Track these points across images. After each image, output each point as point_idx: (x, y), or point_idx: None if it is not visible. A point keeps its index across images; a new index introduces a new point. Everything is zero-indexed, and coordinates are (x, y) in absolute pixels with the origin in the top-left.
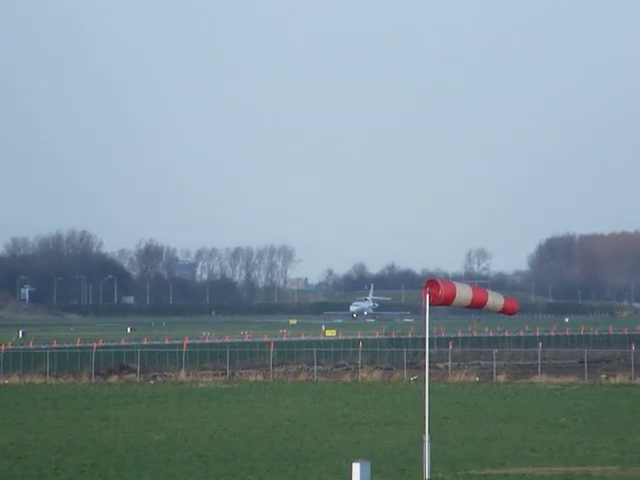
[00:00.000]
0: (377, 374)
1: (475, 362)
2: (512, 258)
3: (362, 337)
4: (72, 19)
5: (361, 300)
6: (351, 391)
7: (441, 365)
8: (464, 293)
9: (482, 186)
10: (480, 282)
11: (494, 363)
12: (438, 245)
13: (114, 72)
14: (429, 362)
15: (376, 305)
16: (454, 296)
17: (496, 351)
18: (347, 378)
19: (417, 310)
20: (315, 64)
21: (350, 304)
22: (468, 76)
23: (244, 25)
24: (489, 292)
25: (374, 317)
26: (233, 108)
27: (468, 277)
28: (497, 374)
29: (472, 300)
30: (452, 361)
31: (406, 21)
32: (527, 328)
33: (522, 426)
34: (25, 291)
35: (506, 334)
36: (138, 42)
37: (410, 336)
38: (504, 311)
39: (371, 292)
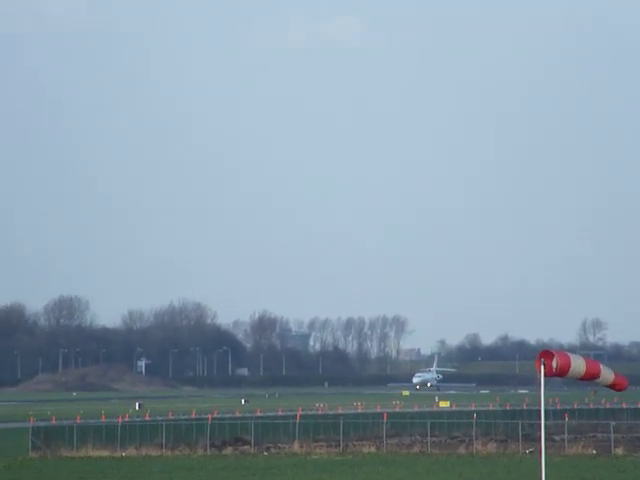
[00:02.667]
0: (492, 446)
1: (592, 434)
2: (628, 329)
3: (476, 408)
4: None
5: (424, 371)
6: (465, 463)
7: (557, 437)
8: (578, 365)
9: (598, 254)
10: (596, 353)
11: (612, 435)
12: (552, 315)
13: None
14: (545, 434)
15: (440, 377)
16: (569, 367)
17: (614, 423)
18: (461, 450)
19: (530, 381)
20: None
21: (413, 374)
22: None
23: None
24: (602, 366)
25: (438, 389)
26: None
27: (583, 348)
28: (615, 447)
29: (585, 372)
30: (568, 433)
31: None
32: None
33: None
34: (141, 364)
35: (623, 406)
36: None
37: (525, 407)
38: (613, 386)
39: (435, 363)
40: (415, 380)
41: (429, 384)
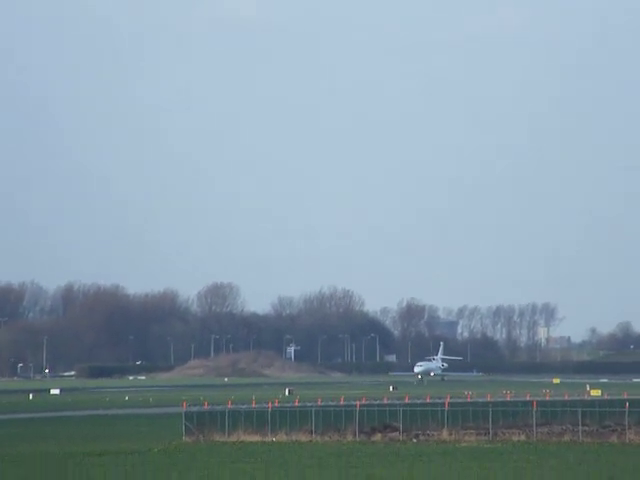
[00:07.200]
0: None
1: None
2: None
3: (629, 397)
4: None
5: (428, 360)
6: (618, 453)
7: None
8: None
9: None
10: None
11: None
12: None
13: None
14: None
15: (445, 365)
16: None
17: None
18: (614, 439)
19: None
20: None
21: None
22: None
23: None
24: None
25: (442, 378)
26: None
27: None
28: None
29: None
30: None
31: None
32: None
33: None
34: (291, 350)
35: None
36: None
37: None
38: None
39: (440, 351)
40: (417, 369)
41: (432, 373)
